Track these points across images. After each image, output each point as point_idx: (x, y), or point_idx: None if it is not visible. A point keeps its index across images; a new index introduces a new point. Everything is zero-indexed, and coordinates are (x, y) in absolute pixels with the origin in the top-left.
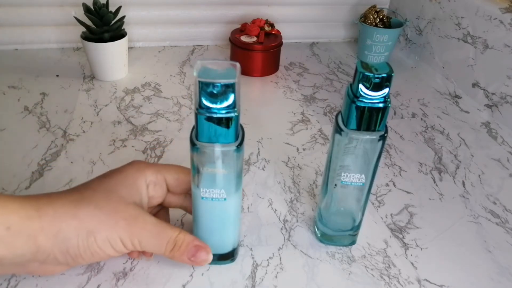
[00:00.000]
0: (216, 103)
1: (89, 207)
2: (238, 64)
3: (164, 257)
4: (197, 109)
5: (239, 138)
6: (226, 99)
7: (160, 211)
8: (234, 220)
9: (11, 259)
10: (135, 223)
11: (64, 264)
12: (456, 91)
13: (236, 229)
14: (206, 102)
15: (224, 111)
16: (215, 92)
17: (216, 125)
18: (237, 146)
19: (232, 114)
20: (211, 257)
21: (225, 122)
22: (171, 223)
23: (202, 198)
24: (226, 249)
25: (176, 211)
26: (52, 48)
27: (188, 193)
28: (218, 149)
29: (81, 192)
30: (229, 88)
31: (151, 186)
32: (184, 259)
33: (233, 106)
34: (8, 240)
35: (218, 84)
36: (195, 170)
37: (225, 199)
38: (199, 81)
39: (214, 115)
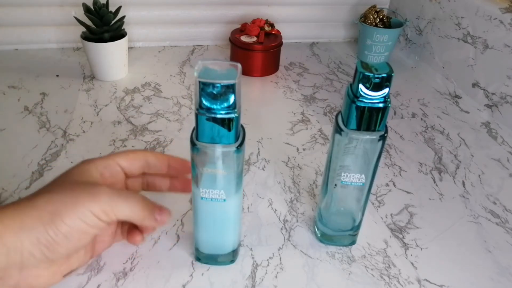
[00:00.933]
0: (216, 103)
1: (44, 195)
2: (239, 65)
3: (139, 219)
4: (197, 110)
5: (240, 139)
6: (227, 99)
7: None
8: (234, 221)
9: None
10: (98, 192)
11: (45, 261)
12: (456, 91)
13: (236, 230)
14: (206, 103)
15: (224, 112)
16: (215, 92)
17: (217, 125)
18: (237, 147)
19: (232, 115)
20: (169, 214)
21: (225, 123)
22: (171, 223)
23: (202, 198)
24: (226, 250)
25: (176, 211)
26: (52, 48)
27: (145, 173)
28: (218, 149)
29: (33, 193)
30: (230, 88)
31: (106, 173)
32: (153, 219)
33: (233, 107)
34: None
35: (218, 85)
36: (195, 170)
37: (224, 200)
38: (199, 82)
39: (215, 116)
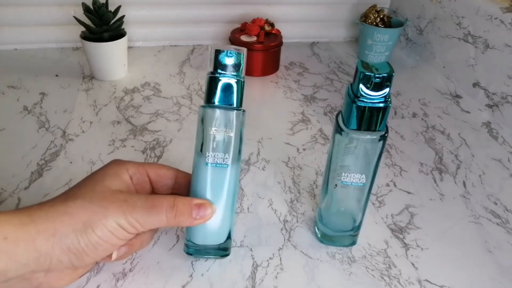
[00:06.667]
0: (229, 69)
1: (76, 202)
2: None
3: (172, 226)
4: (213, 74)
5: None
6: (238, 66)
7: None
8: (234, 194)
9: (15, 271)
10: (125, 203)
11: (70, 268)
12: (456, 91)
13: (233, 210)
14: (220, 68)
15: (235, 75)
16: (230, 58)
17: (228, 88)
18: (243, 110)
19: (241, 79)
20: (214, 209)
21: (235, 86)
22: None
23: (207, 164)
24: (222, 237)
25: None
26: (51, 48)
27: (172, 192)
28: (229, 111)
29: (67, 192)
30: (241, 55)
31: (135, 179)
32: (191, 221)
33: (241, 73)
34: (8, 250)
35: (233, 52)
36: (201, 134)
37: (227, 165)
38: (216, 50)
39: (228, 80)
